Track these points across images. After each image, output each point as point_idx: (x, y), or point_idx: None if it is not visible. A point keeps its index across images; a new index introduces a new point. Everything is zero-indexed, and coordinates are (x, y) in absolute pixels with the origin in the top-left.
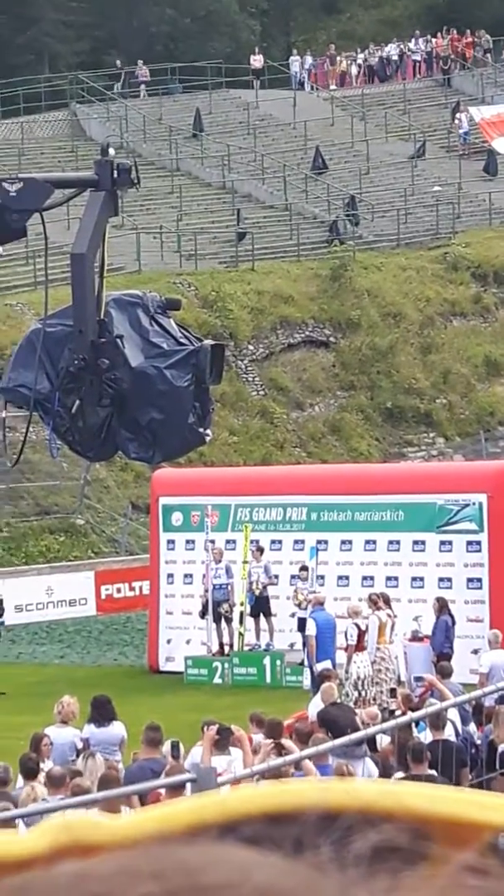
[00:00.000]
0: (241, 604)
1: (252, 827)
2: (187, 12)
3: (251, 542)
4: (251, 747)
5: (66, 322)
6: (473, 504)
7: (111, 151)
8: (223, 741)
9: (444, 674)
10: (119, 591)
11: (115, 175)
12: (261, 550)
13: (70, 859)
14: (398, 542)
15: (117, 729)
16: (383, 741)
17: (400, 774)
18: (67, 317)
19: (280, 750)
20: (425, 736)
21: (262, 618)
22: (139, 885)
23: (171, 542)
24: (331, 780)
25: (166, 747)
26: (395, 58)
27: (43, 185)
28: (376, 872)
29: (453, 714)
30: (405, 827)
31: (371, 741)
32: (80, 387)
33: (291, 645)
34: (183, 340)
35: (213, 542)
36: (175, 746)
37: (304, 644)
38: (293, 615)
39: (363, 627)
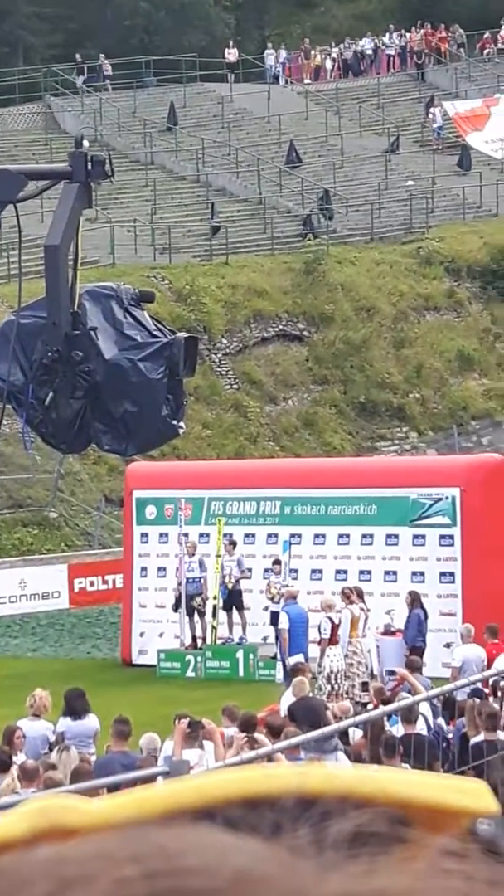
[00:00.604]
0: (215, 597)
1: (230, 811)
2: (162, 5)
3: (224, 535)
4: (223, 741)
5: (40, 314)
6: (446, 498)
7: (85, 144)
8: (194, 734)
9: (414, 668)
10: (92, 584)
11: (90, 167)
12: (234, 544)
13: (47, 843)
14: (371, 536)
15: (92, 722)
16: (356, 735)
17: (373, 768)
18: (41, 309)
19: (252, 744)
20: (397, 729)
21: (234, 611)
22: (117, 868)
23: (144, 535)
24: (309, 765)
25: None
26: (370, 52)
27: (17, 176)
28: (355, 856)
29: (424, 708)
30: (384, 812)
31: (343, 735)
32: (53, 379)
33: (264, 638)
34: (157, 333)
35: (186, 535)
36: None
37: (277, 638)
38: (266, 609)
39: (336, 621)
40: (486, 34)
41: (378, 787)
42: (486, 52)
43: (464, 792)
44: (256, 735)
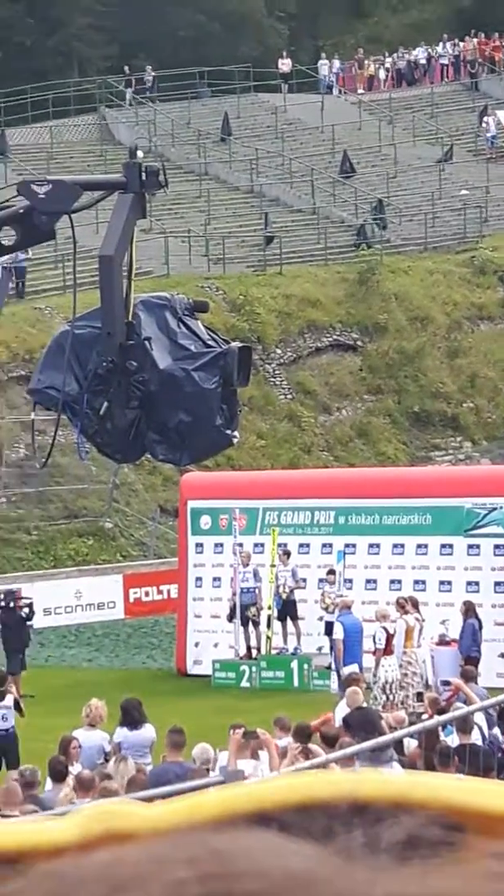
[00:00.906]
0: (269, 607)
1: (284, 816)
2: (215, 16)
3: (279, 545)
4: (277, 751)
5: (95, 324)
6: (501, 508)
7: (139, 154)
8: (248, 744)
9: (469, 677)
10: (147, 594)
11: (144, 177)
12: (288, 554)
13: (103, 847)
14: (426, 546)
15: (148, 732)
16: (410, 745)
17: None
18: (95, 319)
19: (307, 754)
20: (452, 740)
21: (289, 621)
22: (171, 871)
23: (199, 545)
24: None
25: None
26: (423, 61)
27: (71, 186)
28: (407, 860)
29: (479, 718)
30: (437, 817)
31: (398, 745)
32: (108, 389)
33: (319, 648)
34: (210, 343)
35: (240, 545)
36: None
37: (332, 648)
38: (320, 619)
39: (391, 631)
40: None
41: (431, 793)
42: None
43: None
44: (311, 745)
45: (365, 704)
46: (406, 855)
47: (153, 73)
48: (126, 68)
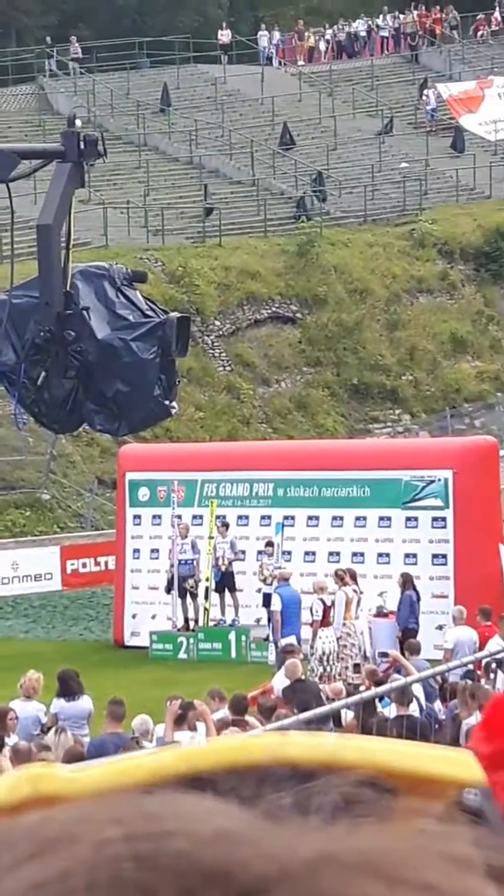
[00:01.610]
0: (207, 579)
1: (214, 778)
2: None
3: (217, 517)
4: (213, 722)
5: (32, 294)
6: (439, 480)
7: (78, 123)
8: (185, 716)
9: (412, 650)
10: (85, 566)
11: (82, 146)
12: (227, 526)
13: (34, 810)
14: (364, 518)
15: (85, 703)
16: (348, 716)
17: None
18: (33, 288)
19: (244, 727)
20: (390, 711)
21: (227, 593)
22: (99, 830)
23: (137, 517)
24: (296, 734)
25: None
26: (363, 34)
27: (9, 155)
28: (337, 821)
29: (417, 690)
30: (369, 779)
31: (335, 717)
32: (45, 358)
33: (257, 620)
34: (149, 313)
35: (179, 517)
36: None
37: (270, 619)
38: (259, 591)
39: (329, 603)
40: (480, 16)
41: (363, 755)
42: (479, 34)
43: (451, 762)
44: (248, 718)
45: (303, 676)
46: (336, 816)
47: (79, 46)
48: (48, 38)
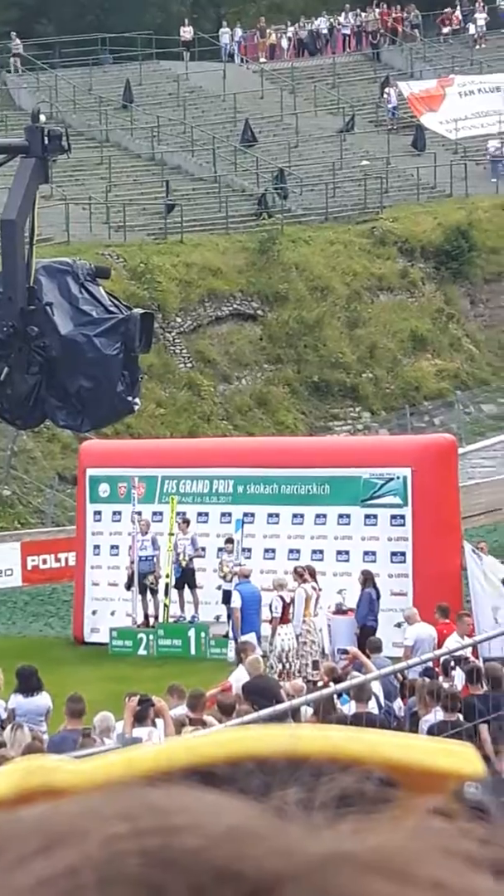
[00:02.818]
0: (167, 576)
1: (221, 771)
2: None
3: (177, 514)
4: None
5: None
6: (398, 478)
7: (42, 118)
8: (144, 712)
9: (374, 648)
10: (45, 562)
11: (46, 141)
12: (187, 522)
13: (36, 802)
14: (324, 516)
15: (43, 699)
16: (307, 713)
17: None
18: None
19: (202, 727)
20: (349, 708)
21: (187, 590)
22: (107, 825)
23: (97, 513)
24: (301, 726)
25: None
26: (325, 31)
27: None
28: (343, 816)
29: (376, 687)
30: (373, 773)
31: (294, 713)
32: (8, 354)
33: (217, 617)
34: (112, 309)
35: (139, 513)
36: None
37: (230, 616)
38: (219, 587)
39: (288, 600)
40: (447, 9)
41: (367, 748)
42: (444, 29)
43: (452, 755)
44: (206, 717)
45: (264, 673)
46: (342, 811)
47: (20, 43)
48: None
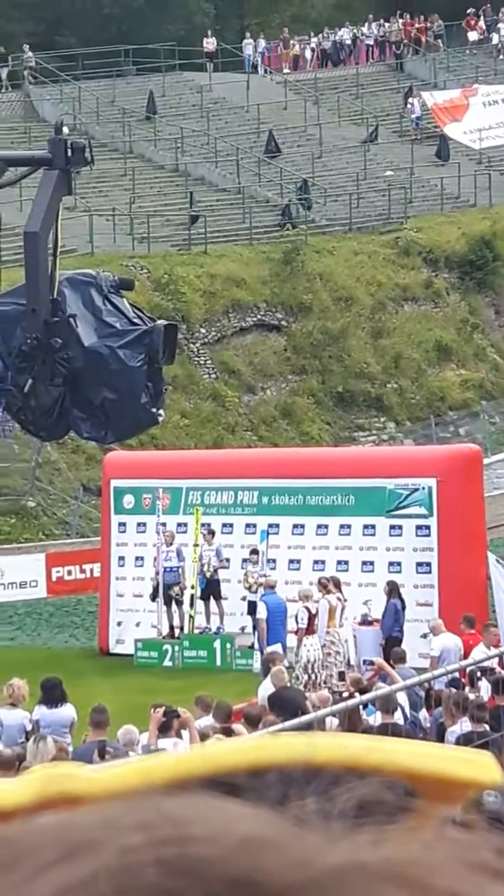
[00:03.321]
0: (192, 587)
1: (237, 780)
2: None
3: (202, 525)
4: (197, 730)
5: (19, 301)
6: (423, 489)
7: (65, 130)
8: (169, 724)
9: (398, 659)
10: (70, 573)
11: (69, 153)
12: (212, 533)
13: (54, 810)
14: (349, 527)
15: (68, 711)
16: (332, 724)
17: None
18: (20, 296)
19: (229, 734)
20: (374, 719)
21: (212, 601)
22: (123, 835)
23: (122, 524)
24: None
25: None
26: (349, 42)
27: None
28: (361, 825)
29: (402, 698)
30: (390, 782)
31: (320, 725)
32: (32, 366)
33: (242, 628)
34: (136, 320)
35: (164, 524)
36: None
37: (255, 627)
38: (244, 598)
39: (314, 611)
40: (470, 11)
41: (385, 756)
42: (469, 34)
43: (470, 763)
44: (234, 726)
45: (288, 684)
46: (360, 821)
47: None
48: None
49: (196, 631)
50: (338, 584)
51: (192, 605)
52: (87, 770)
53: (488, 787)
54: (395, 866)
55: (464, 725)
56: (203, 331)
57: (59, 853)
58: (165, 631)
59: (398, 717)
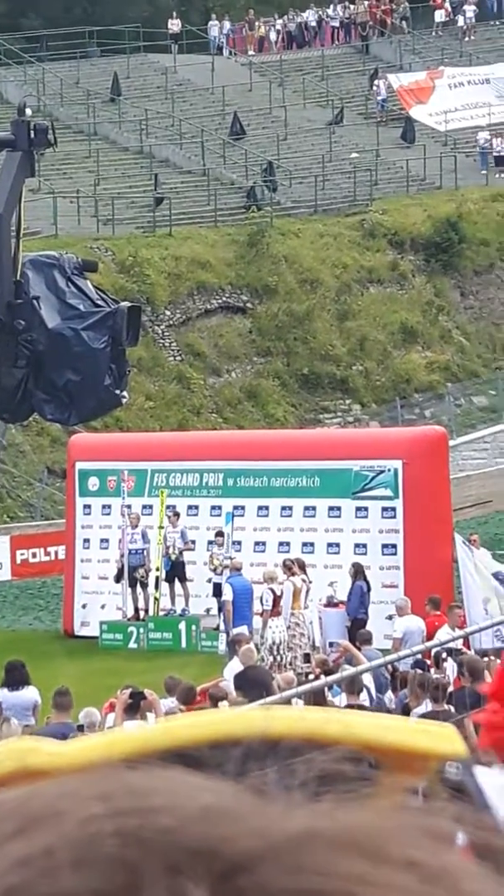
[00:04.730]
0: (157, 569)
1: (198, 752)
2: None
3: (167, 507)
4: (164, 711)
5: None
6: (389, 470)
7: (28, 112)
8: (135, 705)
9: (364, 640)
10: (34, 555)
11: (32, 135)
12: (177, 515)
13: (19, 784)
14: (314, 508)
15: (30, 693)
16: (298, 705)
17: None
18: None
19: None
20: (340, 700)
21: (177, 583)
22: (84, 806)
23: (87, 506)
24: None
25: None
26: (314, 24)
27: None
28: (321, 796)
29: (368, 680)
30: (351, 753)
31: (286, 705)
32: None
33: (207, 610)
34: (99, 302)
35: (129, 507)
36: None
37: (220, 609)
38: (209, 580)
39: (278, 593)
40: None
41: (345, 728)
42: (436, 13)
43: (432, 735)
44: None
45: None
46: (320, 791)
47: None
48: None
49: (161, 613)
50: (302, 566)
51: (156, 587)
52: (51, 744)
53: (450, 758)
54: (351, 834)
55: (427, 706)
56: (168, 313)
57: (18, 825)
58: (130, 613)
59: (364, 699)
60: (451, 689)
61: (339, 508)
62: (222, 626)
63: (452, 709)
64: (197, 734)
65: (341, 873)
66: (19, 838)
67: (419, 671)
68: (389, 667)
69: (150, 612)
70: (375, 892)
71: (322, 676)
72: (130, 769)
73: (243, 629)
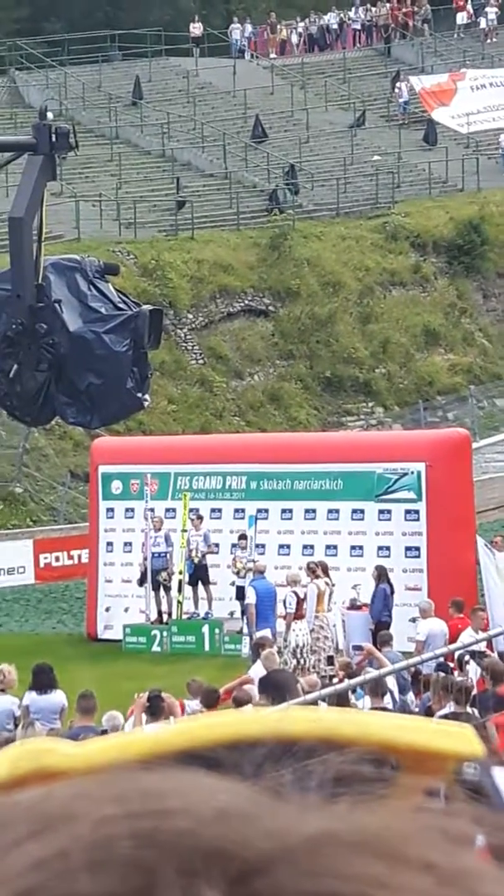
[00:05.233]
0: (180, 572)
1: (214, 753)
2: None
3: (191, 510)
4: (186, 715)
5: (4, 286)
6: (412, 473)
7: (49, 115)
8: (154, 708)
9: (384, 642)
10: (58, 559)
11: (54, 139)
12: (200, 519)
13: (31, 786)
14: (337, 511)
15: (58, 697)
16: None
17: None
18: (5, 281)
19: None
20: (364, 703)
21: (200, 586)
22: (99, 808)
23: (110, 510)
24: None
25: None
26: (335, 26)
27: None
28: (338, 797)
29: (391, 682)
30: (368, 754)
31: None
32: (17, 351)
33: (231, 613)
34: (121, 305)
35: (152, 510)
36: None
37: (244, 612)
38: (232, 584)
39: (302, 596)
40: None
41: (362, 729)
42: (458, 15)
43: (450, 735)
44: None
45: (280, 667)
46: (336, 792)
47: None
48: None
49: (184, 616)
50: (326, 569)
51: (180, 590)
52: (66, 745)
53: (468, 758)
54: (368, 836)
55: (450, 709)
56: (190, 316)
57: (33, 827)
58: (154, 616)
59: (387, 702)
60: (474, 691)
61: (362, 511)
62: (245, 630)
63: (476, 711)
64: (212, 735)
65: (358, 875)
66: (34, 840)
67: (442, 674)
68: (411, 668)
69: (174, 616)
70: (392, 894)
71: (346, 679)
72: (146, 771)
73: (266, 632)
